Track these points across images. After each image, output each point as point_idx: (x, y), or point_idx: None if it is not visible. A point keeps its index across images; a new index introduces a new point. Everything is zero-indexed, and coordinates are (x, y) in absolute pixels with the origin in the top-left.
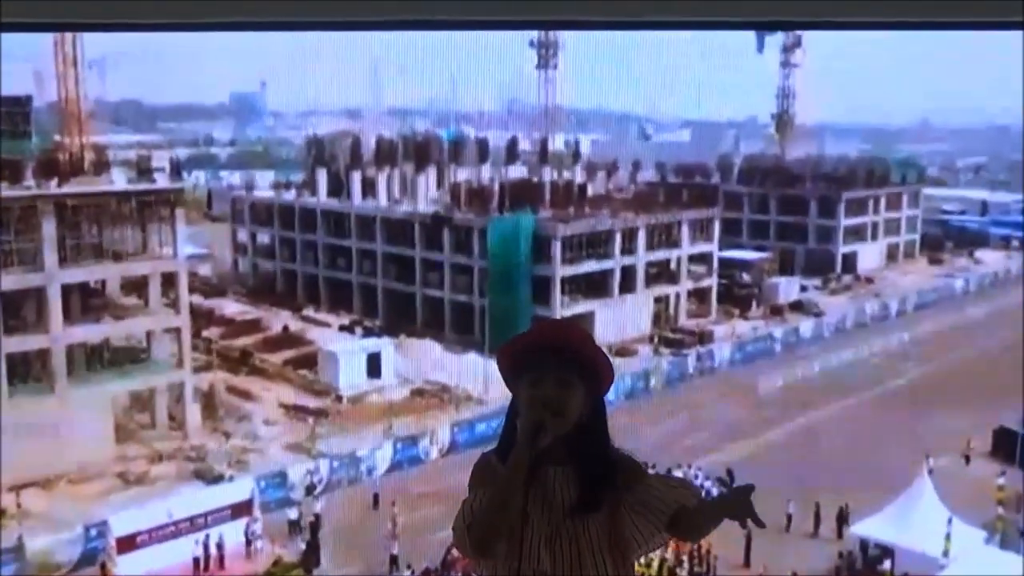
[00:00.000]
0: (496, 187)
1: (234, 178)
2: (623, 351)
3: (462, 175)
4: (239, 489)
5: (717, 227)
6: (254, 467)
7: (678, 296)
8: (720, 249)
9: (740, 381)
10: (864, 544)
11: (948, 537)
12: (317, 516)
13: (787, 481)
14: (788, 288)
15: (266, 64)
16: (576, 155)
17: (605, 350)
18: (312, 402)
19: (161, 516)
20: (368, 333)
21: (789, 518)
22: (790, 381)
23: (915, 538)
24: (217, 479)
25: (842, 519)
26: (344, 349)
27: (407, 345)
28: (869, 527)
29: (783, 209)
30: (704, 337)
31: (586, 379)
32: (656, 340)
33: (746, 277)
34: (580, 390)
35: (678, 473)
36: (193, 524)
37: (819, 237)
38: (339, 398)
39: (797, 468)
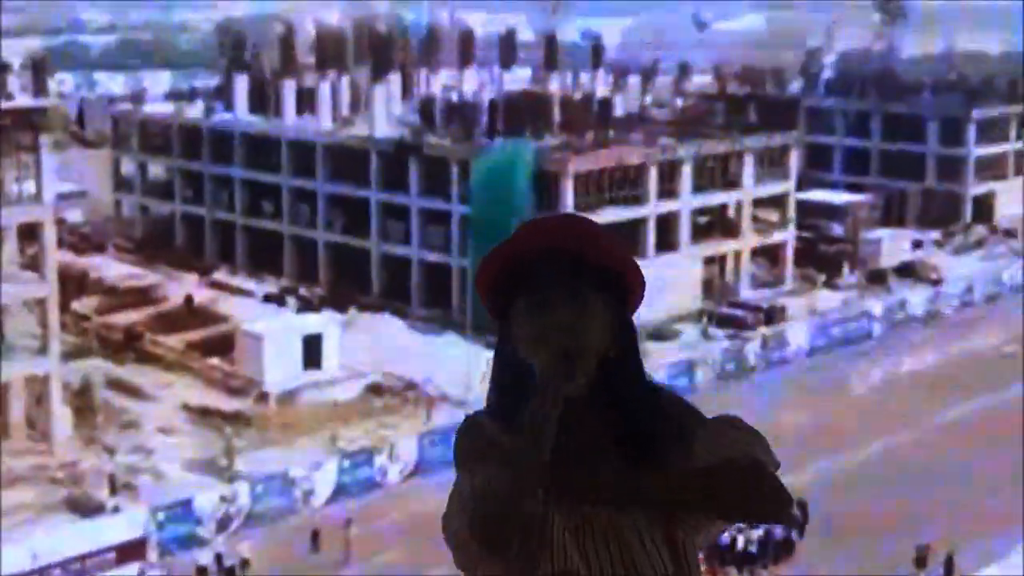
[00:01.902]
0: (485, 101)
1: (114, 83)
2: (659, 333)
3: (437, 83)
4: (127, 524)
5: (795, 158)
6: (147, 493)
7: (738, 256)
8: (799, 189)
9: (822, 377)
10: None
11: None
12: (241, 561)
13: (882, 514)
14: (895, 244)
15: None
16: (598, 53)
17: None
18: (227, 403)
19: (20, 560)
20: (305, 306)
21: None
22: (892, 378)
23: None
24: (97, 510)
25: (950, 570)
26: (272, 328)
27: (359, 323)
28: None
29: (891, 132)
30: (774, 314)
31: (608, 294)
32: (706, 318)
33: (836, 229)
34: (604, 312)
35: None
36: (66, 571)
37: (941, 172)
38: (264, 397)
39: (895, 497)
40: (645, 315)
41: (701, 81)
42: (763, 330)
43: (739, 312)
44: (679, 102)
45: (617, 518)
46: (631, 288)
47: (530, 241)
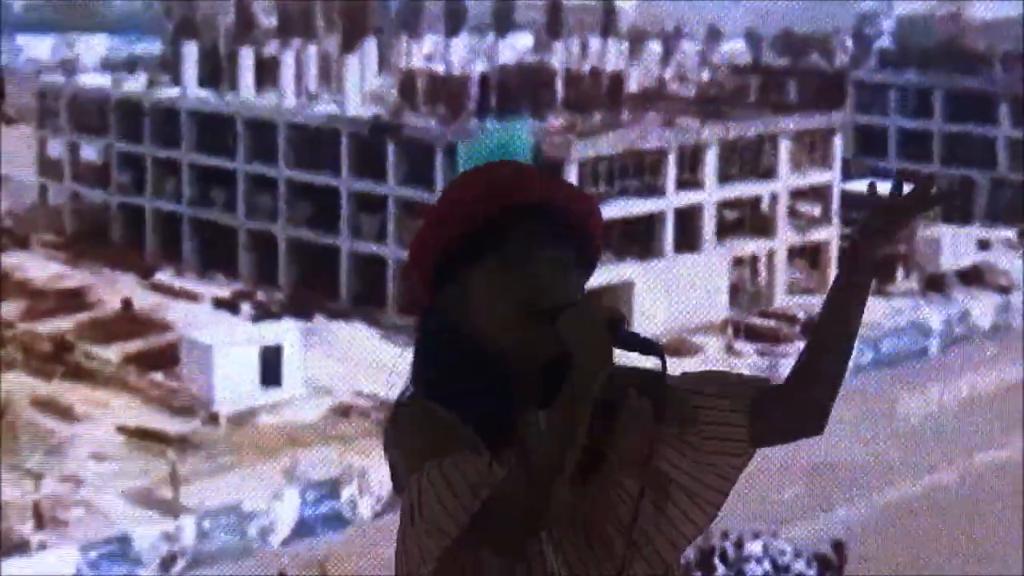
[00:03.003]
0: (476, 76)
1: (39, 48)
2: (678, 347)
3: (420, 53)
4: (55, 563)
5: (841, 142)
6: (79, 529)
7: (772, 257)
8: (846, 178)
9: (867, 401)
10: None
11: None
12: None
13: (931, 559)
14: (958, 245)
15: None
16: (611, 16)
17: (651, 343)
18: (172, 424)
19: None
20: (263, 313)
21: None
22: (950, 404)
23: None
24: (20, 547)
25: None
26: (223, 339)
27: (326, 333)
28: None
29: (956, 112)
30: (810, 326)
31: (581, 254)
32: (733, 330)
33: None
34: (575, 267)
35: (756, 545)
36: None
37: (1015, 160)
38: (214, 418)
39: (947, 542)
40: (665, 326)
41: (732, 49)
42: (800, 344)
43: (772, 323)
44: (705, 75)
45: (602, 515)
46: (596, 258)
47: (534, 189)
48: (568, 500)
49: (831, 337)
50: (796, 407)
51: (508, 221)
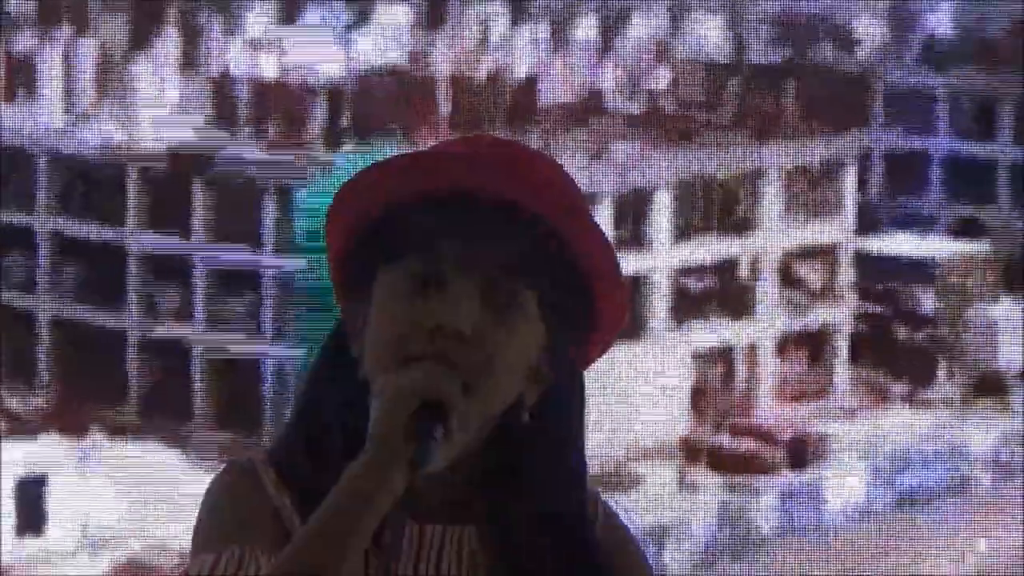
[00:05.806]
0: (322, 82)
1: None
2: (615, 477)
3: (240, 49)
4: None
5: (853, 179)
6: None
7: (753, 349)
8: (865, 232)
9: (883, 561)
10: None
11: None
12: None
13: None
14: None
15: None
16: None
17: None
18: None
19: None
20: (16, 429)
21: None
22: (1007, 555)
23: None
24: None
25: None
26: None
27: (106, 456)
28: None
29: None
30: (805, 450)
31: (553, 292)
32: (690, 453)
33: (926, 302)
34: (532, 315)
35: None
36: None
37: None
38: None
39: None
40: (587, 448)
41: (704, 36)
42: (786, 475)
43: (747, 445)
44: (662, 78)
45: None
46: (602, 299)
47: (445, 172)
48: None
49: None
50: None
51: (421, 211)
